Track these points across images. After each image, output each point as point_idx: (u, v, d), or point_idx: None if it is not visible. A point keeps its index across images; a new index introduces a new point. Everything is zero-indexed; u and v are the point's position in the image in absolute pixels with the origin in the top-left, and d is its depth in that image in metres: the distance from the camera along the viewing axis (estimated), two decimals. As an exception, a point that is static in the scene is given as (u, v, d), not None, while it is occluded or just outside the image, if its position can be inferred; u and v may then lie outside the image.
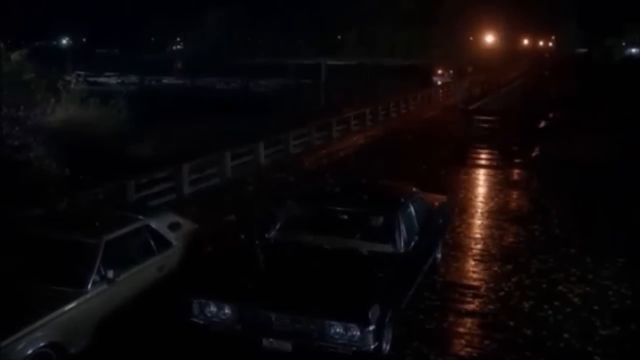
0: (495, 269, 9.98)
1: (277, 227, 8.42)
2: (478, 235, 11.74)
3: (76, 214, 9.00)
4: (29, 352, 6.22)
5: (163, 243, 8.32)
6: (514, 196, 15.09)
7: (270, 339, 6.65)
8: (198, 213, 10.89)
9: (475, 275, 9.75)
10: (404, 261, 7.80)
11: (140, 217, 8.31)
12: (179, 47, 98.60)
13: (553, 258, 10.34)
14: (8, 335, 6.12)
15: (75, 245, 7.37)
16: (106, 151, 18.26)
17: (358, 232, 8.19)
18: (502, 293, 9.02)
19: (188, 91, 51.51)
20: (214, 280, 7.40)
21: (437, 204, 10.17)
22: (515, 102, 35.97)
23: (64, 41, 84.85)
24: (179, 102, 37.32)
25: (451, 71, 49.62)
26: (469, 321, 8.17)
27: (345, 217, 8.56)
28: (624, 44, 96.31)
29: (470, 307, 8.60)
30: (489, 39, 62.94)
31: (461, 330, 7.95)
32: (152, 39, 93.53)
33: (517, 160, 18.73)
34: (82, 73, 37.80)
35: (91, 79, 44.76)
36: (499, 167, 18.23)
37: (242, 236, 9.41)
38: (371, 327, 6.45)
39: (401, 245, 7.89)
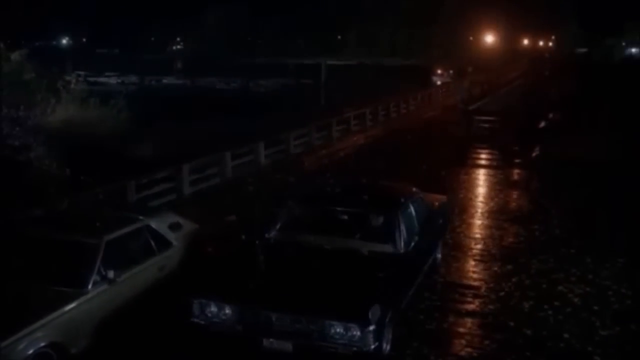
0: (496, 269, 9.98)
1: (278, 227, 8.43)
2: (478, 236, 11.74)
3: (77, 215, 9.00)
4: (30, 352, 6.23)
5: (163, 243, 8.33)
6: (514, 196, 15.10)
7: (271, 339, 6.65)
8: (198, 213, 10.86)
9: (475, 276, 9.75)
10: (404, 261, 7.81)
11: (141, 217, 8.31)
12: (179, 47, 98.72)
13: (553, 258, 10.34)
14: (9, 335, 6.13)
15: (75, 245, 7.38)
16: (106, 151, 18.25)
17: (358, 233, 8.20)
18: (502, 293, 9.03)
19: (188, 91, 51.47)
20: (214, 281, 7.40)
21: (437, 204, 10.18)
22: (516, 102, 35.97)
23: (64, 41, 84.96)
24: (179, 102, 37.29)
25: (451, 71, 49.61)
26: (469, 321, 8.17)
27: (346, 217, 8.58)
28: (624, 43, 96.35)
29: (471, 307, 8.61)
30: (489, 38, 62.96)
31: (461, 330, 7.95)
32: (152, 39, 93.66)
33: (517, 160, 18.73)
34: (82, 73, 37.82)
35: (91, 79, 44.77)
36: (499, 167, 18.24)
37: (243, 236, 9.41)
38: (371, 327, 6.45)
39: (401, 245, 7.89)
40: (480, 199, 14.86)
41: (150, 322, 7.53)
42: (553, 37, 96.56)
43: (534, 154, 19.79)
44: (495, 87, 41.58)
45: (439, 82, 46.33)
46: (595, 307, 8.52)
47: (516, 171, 17.77)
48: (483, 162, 19.49)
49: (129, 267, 7.60)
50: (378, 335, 6.54)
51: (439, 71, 50.46)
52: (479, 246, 11.08)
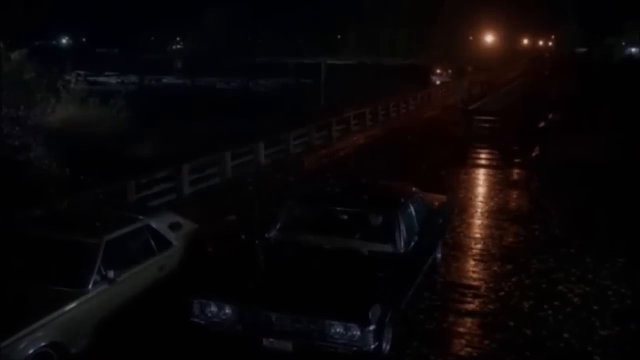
0: (496, 269, 9.99)
1: (278, 227, 8.43)
2: (478, 235, 11.75)
3: (77, 215, 9.00)
4: (30, 352, 6.24)
5: (164, 243, 8.33)
6: (514, 196, 15.10)
7: (271, 339, 6.66)
8: (198, 213, 10.87)
9: (475, 276, 9.76)
10: (404, 261, 7.81)
11: (141, 217, 8.32)
12: (179, 46, 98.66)
13: (553, 258, 10.34)
14: (9, 335, 6.14)
15: (76, 245, 7.38)
16: (106, 151, 18.25)
17: (358, 233, 8.20)
18: (502, 293, 9.03)
19: (188, 91, 51.45)
20: (214, 281, 7.41)
21: (437, 204, 10.18)
22: (516, 102, 35.98)
23: (64, 41, 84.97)
24: (179, 102, 37.28)
25: (450, 71, 49.61)
26: (469, 321, 8.18)
27: (346, 217, 8.58)
28: (624, 43, 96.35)
29: (471, 307, 8.61)
30: (489, 38, 62.97)
31: (461, 330, 7.96)
32: (152, 38, 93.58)
33: (517, 160, 18.74)
34: (82, 73, 37.80)
35: (91, 79, 44.76)
36: (499, 167, 18.24)
37: (243, 236, 9.42)
38: (372, 327, 6.46)
39: (401, 245, 7.90)
40: (480, 199, 14.87)
41: (151, 322, 7.53)
42: (553, 37, 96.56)
43: (534, 154, 19.79)
44: (495, 87, 41.56)
45: (438, 82, 46.35)
46: (595, 307, 8.52)
47: (516, 171, 17.78)
48: (483, 162, 19.50)
49: (129, 267, 7.60)
50: (378, 335, 6.55)
51: (438, 71, 50.47)
52: (479, 246, 11.09)
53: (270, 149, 18.13)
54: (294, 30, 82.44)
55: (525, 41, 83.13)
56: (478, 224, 12.59)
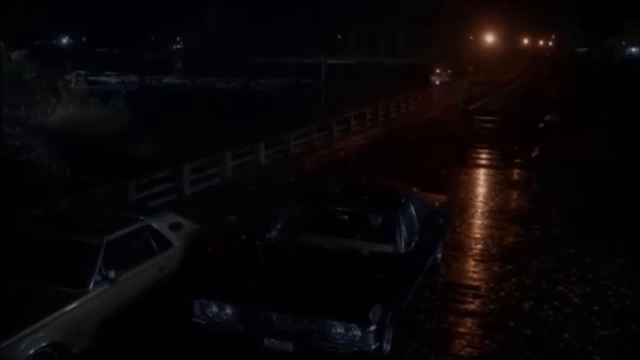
0: (496, 269, 10.00)
1: (278, 227, 8.44)
2: (478, 235, 11.75)
3: (77, 215, 9.00)
4: (31, 351, 6.25)
5: (164, 243, 8.34)
6: (514, 196, 15.11)
7: (272, 339, 6.67)
8: (199, 213, 10.89)
9: (475, 276, 9.77)
10: (404, 261, 7.82)
11: (142, 217, 8.33)
12: (179, 46, 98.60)
13: (553, 258, 10.35)
14: (10, 335, 6.15)
15: (76, 245, 7.39)
16: (107, 151, 18.26)
17: (359, 233, 8.21)
18: (502, 293, 9.04)
19: (188, 90, 51.43)
20: (215, 281, 7.42)
21: (437, 204, 10.19)
22: (516, 101, 36.00)
23: (64, 40, 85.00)
24: (179, 101, 37.27)
25: (449, 70, 49.61)
26: (469, 321, 8.19)
27: (346, 217, 8.59)
28: (624, 43, 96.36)
29: (471, 307, 8.62)
30: (489, 38, 62.92)
31: (461, 330, 7.97)
32: (152, 38, 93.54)
33: (517, 160, 18.74)
34: (82, 72, 37.75)
35: (91, 79, 44.67)
36: (499, 167, 18.24)
37: (243, 236, 9.43)
38: (372, 327, 6.47)
39: (402, 245, 7.91)
40: (480, 198, 14.87)
41: (151, 322, 7.54)
42: (553, 37, 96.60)
43: (534, 154, 19.79)
44: (495, 86, 41.59)
45: (437, 82, 46.37)
46: (595, 307, 8.54)
47: (516, 171, 17.78)
48: (483, 162, 19.50)
49: (129, 267, 7.61)
50: (379, 336, 6.56)
51: (438, 71, 50.49)
52: (479, 246, 11.09)
53: (270, 149, 18.14)
54: (294, 30, 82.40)
55: (526, 41, 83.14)
56: (478, 224, 12.59)
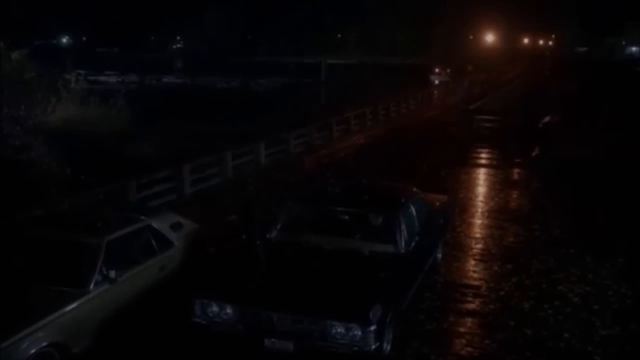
0: (496, 268, 10.00)
1: (279, 227, 8.45)
2: (478, 235, 11.76)
3: (78, 215, 9.00)
4: (32, 351, 6.26)
5: (164, 243, 8.35)
6: (514, 196, 15.11)
7: (272, 339, 6.67)
8: (199, 213, 10.90)
9: (475, 275, 9.77)
10: (404, 261, 7.83)
11: (142, 217, 8.34)
12: (179, 45, 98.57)
13: (553, 258, 10.35)
14: (11, 335, 6.16)
15: (77, 245, 7.40)
16: (107, 151, 18.27)
17: (359, 233, 8.22)
18: (502, 293, 9.05)
19: (188, 90, 51.43)
20: (215, 281, 7.43)
21: (437, 204, 10.20)
22: (516, 101, 35.99)
23: (64, 40, 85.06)
24: (179, 101, 37.27)
25: (448, 70, 49.63)
26: (469, 321, 8.19)
27: (346, 217, 8.59)
28: (624, 42, 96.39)
29: (471, 307, 8.63)
30: (489, 37, 62.96)
31: (462, 330, 7.97)
32: (152, 37, 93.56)
33: (517, 160, 18.74)
34: (82, 72, 37.74)
35: (91, 78, 44.67)
36: (499, 167, 18.24)
37: (244, 236, 9.42)
38: (372, 327, 6.48)
39: (402, 245, 7.91)
40: (481, 198, 14.87)
41: (152, 321, 7.55)
42: (553, 36, 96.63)
43: (534, 154, 19.80)
44: (495, 86, 41.58)
45: (437, 82, 46.40)
46: (595, 307, 8.54)
47: (516, 171, 17.79)
48: (483, 161, 19.50)
49: (130, 267, 7.62)
50: (379, 335, 6.56)
51: (437, 70, 50.52)
52: (479, 246, 11.10)
53: (270, 148, 18.14)
54: (294, 29, 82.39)
55: (526, 40, 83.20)
56: (478, 223, 12.60)
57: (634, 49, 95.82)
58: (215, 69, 59.52)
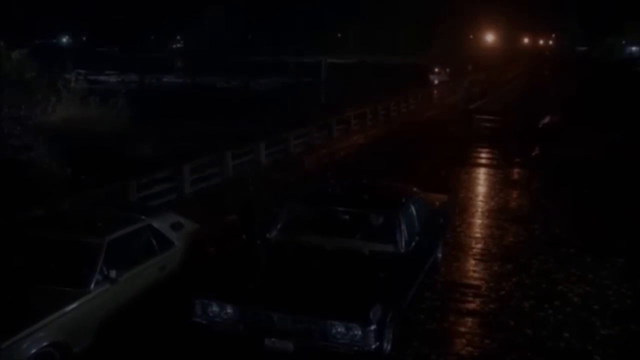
0: (496, 268, 10.01)
1: (279, 227, 8.45)
2: (478, 235, 11.76)
3: (78, 214, 9.01)
4: (33, 351, 6.26)
5: (165, 243, 8.35)
6: (514, 196, 15.12)
7: (273, 339, 6.68)
8: (199, 213, 10.90)
9: (475, 275, 9.78)
10: (405, 261, 7.83)
11: (143, 217, 8.35)
12: (179, 45, 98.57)
13: (553, 258, 10.37)
14: (11, 335, 6.16)
15: (77, 245, 7.41)
16: (107, 150, 18.27)
17: (359, 232, 8.22)
18: (502, 292, 9.05)
19: (188, 90, 51.39)
20: (215, 281, 7.43)
21: (437, 203, 10.20)
22: (516, 101, 35.97)
23: (64, 40, 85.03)
24: (179, 100, 37.25)
25: (448, 69, 49.64)
26: (469, 321, 8.20)
27: (347, 217, 8.60)
28: (624, 42, 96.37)
29: (471, 306, 8.64)
30: (489, 37, 62.97)
31: (462, 329, 7.98)
32: (152, 37, 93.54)
33: (517, 160, 18.75)
34: (82, 72, 37.65)
35: (91, 78, 44.59)
36: (499, 167, 18.25)
37: (244, 236, 9.44)
38: (372, 327, 6.48)
39: (402, 245, 7.92)
40: (481, 198, 14.88)
41: (152, 321, 7.56)
42: (553, 36, 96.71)
43: (534, 154, 19.81)
44: (495, 86, 41.57)
45: (436, 81, 46.43)
46: (595, 307, 8.55)
47: (516, 170, 17.79)
48: (483, 161, 19.51)
49: (130, 266, 7.62)
50: (379, 335, 6.57)
51: (436, 70, 50.53)
52: (479, 245, 11.10)
53: (270, 148, 18.15)
54: (294, 29, 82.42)
55: (526, 40, 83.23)
56: (478, 223, 12.61)
57: (634, 48, 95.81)
58: (215, 69, 59.48)
